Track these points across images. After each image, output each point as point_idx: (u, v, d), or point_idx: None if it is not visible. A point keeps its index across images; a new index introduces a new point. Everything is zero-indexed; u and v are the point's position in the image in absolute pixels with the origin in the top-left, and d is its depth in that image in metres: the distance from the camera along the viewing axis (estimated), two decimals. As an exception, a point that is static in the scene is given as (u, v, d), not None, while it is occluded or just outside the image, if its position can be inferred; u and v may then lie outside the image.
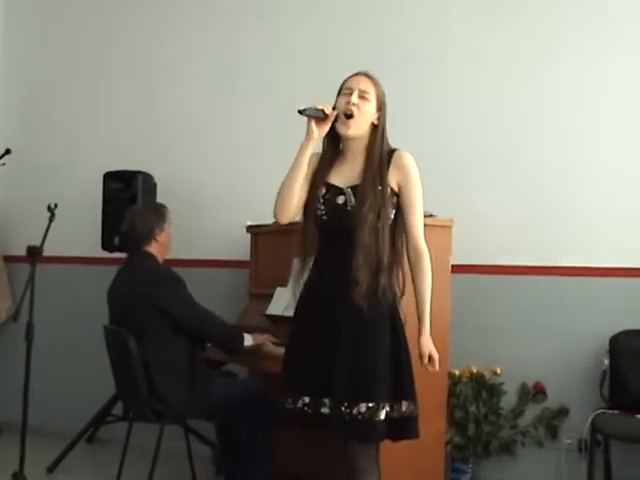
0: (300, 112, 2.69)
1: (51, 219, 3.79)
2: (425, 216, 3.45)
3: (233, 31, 4.86)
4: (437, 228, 3.57)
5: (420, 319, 2.71)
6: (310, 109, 2.70)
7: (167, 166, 4.85)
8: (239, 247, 4.42)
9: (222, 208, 4.71)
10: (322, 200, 2.72)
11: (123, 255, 4.61)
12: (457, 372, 3.95)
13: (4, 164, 4.97)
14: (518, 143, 4.13)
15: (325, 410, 2.61)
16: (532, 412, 4.00)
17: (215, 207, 4.74)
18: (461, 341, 3.79)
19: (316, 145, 2.77)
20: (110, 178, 4.71)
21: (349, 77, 2.79)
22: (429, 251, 2.79)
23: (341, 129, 2.72)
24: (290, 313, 3.56)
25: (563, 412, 3.95)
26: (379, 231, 2.63)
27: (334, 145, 2.81)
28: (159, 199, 4.61)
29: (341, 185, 2.72)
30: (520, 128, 4.13)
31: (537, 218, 4.07)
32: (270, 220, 4.05)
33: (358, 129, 2.71)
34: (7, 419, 4.92)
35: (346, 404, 2.56)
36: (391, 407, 2.59)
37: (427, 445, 3.44)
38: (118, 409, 4.44)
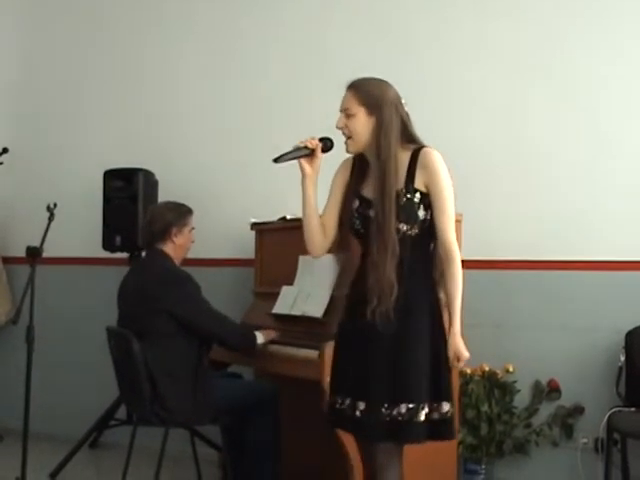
0: (275, 161, 2.64)
1: (50, 219, 3.73)
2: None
3: (233, 25, 4.78)
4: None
5: (450, 321, 2.61)
6: (286, 155, 2.64)
7: (169, 163, 4.78)
8: (243, 245, 4.35)
9: (226, 205, 4.64)
10: (356, 214, 2.67)
11: (124, 255, 4.55)
12: (468, 370, 3.88)
13: (2, 163, 4.93)
14: (531, 136, 4.04)
15: (358, 413, 2.58)
16: (546, 411, 3.93)
17: (219, 204, 4.65)
18: (472, 338, 3.60)
19: (317, 175, 2.69)
20: (110, 176, 4.64)
21: None
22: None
23: (346, 149, 2.68)
24: (297, 312, 3.53)
25: (578, 410, 3.88)
26: (389, 245, 2.52)
27: (363, 155, 2.72)
28: (161, 197, 4.56)
29: (369, 197, 2.65)
30: (531, 121, 4.06)
31: (549, 212, 3.99)
32: (275, 217, 4.02)
33: (357, 146, 2.66)
34: (8, 424, 4.86)
35: (386, 405, 2.53)
36: (430, 408, 2.56)
37: (439, 446, 3.33)
38: (122, 413, 4.38)
